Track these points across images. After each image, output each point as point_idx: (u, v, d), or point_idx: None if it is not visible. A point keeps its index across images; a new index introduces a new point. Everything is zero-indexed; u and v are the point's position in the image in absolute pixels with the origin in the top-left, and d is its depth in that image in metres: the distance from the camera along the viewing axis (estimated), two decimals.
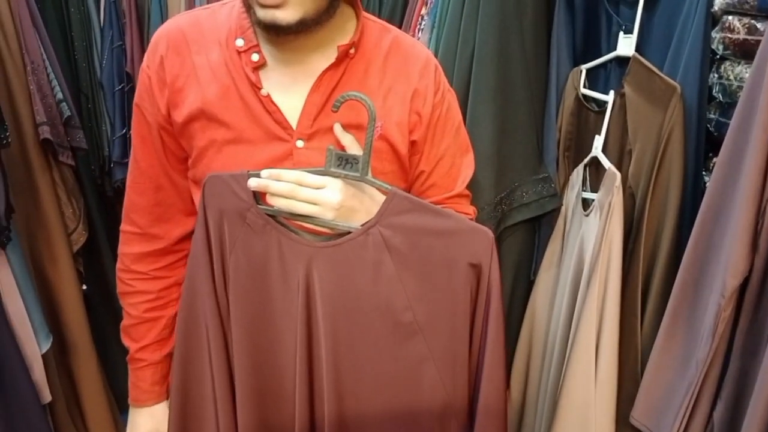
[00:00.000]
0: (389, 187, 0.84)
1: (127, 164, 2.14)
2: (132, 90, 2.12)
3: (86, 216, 1.85)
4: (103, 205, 2.15)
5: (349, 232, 0.85)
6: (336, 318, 0.87)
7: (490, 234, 0.84)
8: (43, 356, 1.48)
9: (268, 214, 0.86)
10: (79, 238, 1.81)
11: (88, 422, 1.78)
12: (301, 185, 0.83)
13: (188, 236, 1.08)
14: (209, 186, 0.87)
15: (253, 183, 0.83)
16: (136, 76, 2.10)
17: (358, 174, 0.83)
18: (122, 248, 1.08)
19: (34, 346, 1.44)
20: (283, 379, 0.91)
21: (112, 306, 2.13)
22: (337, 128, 0.89)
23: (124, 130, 2.13)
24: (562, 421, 1.10)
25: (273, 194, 0.84)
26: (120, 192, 2.23)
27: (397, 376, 0.89)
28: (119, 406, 1.90)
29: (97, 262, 2.04)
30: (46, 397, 1.47)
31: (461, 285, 0.85)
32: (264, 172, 0.83)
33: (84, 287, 1.91)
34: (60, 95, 1.69)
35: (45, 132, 1.59)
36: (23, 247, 1.53)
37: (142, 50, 2.12)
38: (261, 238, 0.87)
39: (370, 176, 0.84)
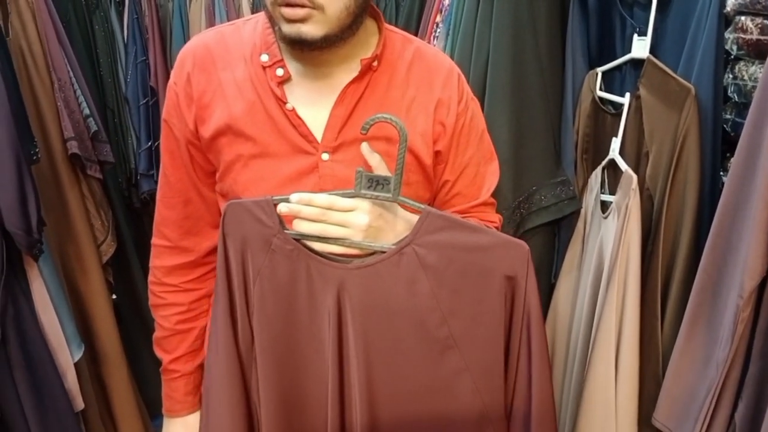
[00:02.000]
0: (423, 207, 0.83)
1: (152, 176, 2.22)
2: (156, 104, 2.17)
3: (114, 227, 1.90)
4: (130, 216, 2.20)
5: (381, 252, 0.85)
6: (369, 338, 0.86)
7: (525, 246, 0.83)
8: (76, 365, 1.53)
9: (295, 239, 0.85)
10: (108, 249, 1.86)
11: (119, 428, 1.82)
12: (331, 209, 0.83)
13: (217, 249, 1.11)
14: (230, 214, 0.87)
15: (284, 209, 0.83)
16: (159, 90, 2.16)
17: (389, 195, 0.82)
18: (154, 261, 1.10)
19: (66, 355, 1.48)
20: (312, 404, 0.91)
21: (141, 315, 2.18)
22: (365, 148, 0.89)
23: (150, 143, 2.18)
24: (585, 423, 1.10)
25: (303, 219, 0.83)
26: (146, 203, 2.28)
27: (432, 389, 0.89)
28: (150, 412, 1.95)
29: (126, 272, 2.09)
30: (79, 404, 1.51)
31: (497, 297, 0.84)
32: (294, 197, 0.82)
33: (114, 297, 1.96)
34: (87, 110, 1.74)
35: (73, 147, 1.64)
36: (55, 259, 1.58)
37: (165, 64, 2.17)
38: (288, 264, 0.86)
39: (402, 197, 0.83)
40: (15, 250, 1.32)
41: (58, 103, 1.62)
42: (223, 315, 0.90)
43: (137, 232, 2.16)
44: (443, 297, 0.85)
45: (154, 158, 2.18)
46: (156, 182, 2.22)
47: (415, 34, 1.79)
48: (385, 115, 0.80)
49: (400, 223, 0.88)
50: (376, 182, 0.83)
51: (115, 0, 2.16)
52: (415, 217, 0.85)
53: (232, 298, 0.90)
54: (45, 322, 1.43)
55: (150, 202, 2.29)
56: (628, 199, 1.06)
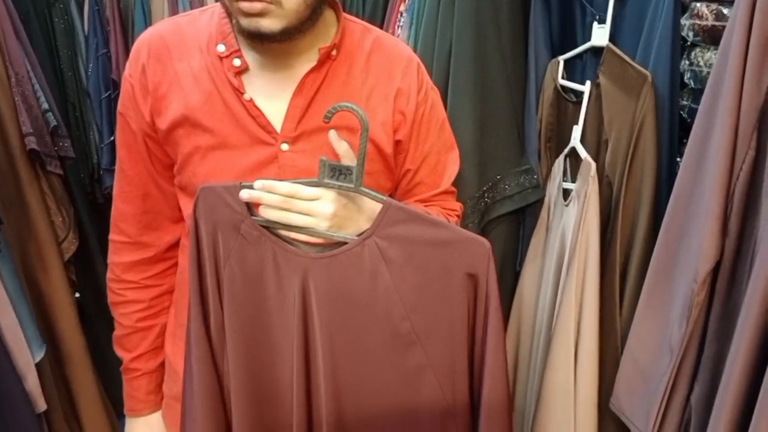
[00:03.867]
0: (384, 198, 0.83)
1: (114, 171, 2.17)
2: (118, 97, 2.12)
3: (77, 224, 1.86)
4: (93, 212, 2.16)
5: (345, 243, 0.85)
6: (333, 328, 0.87)
7: (487, 244, 0.83)
8: (39, 365, 1.49)
9: (263, 225, 0.86)
10: (70, 246, 1.82)
11: (85, 429, 1.79)
12: (294, 197, 0.83)
13: (177, 244, 1.09)
14: (202, 198, 0.87)
15: (245, 195, 0.83)
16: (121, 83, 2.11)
17: (352, 185, 0.82)
18: (112, 258, 1.09)
19: (27, 355, 1.44)
20: (280, 389, 0.91)
21: (106, 312, 2.11)
22: (333, 135, 0.88)
23: (112, 138, 2.13)
24: (546, 409, 1.11)
25: (266, 205, 0.83)
26: (110, 199, 2.22)
27: (395, 385, 0.89)
28: (116, 411, 1.91)
29: (89, 270, 2.05)
30: (41, 406, 1.47)
31: (459, 294, 0.85)
32: (257, 183, 0.82)
33: (77, 295, 1.92)
34: (45, 105, 1.69)
35: (31, 143, 1.59)
36: (14, 257, 1.54)
37: (127, 57, 2.12)
38: (256, 250, 0.86)
39: (363, 187, 0.83)
40: None
41: (16, 98, 1.57)
42: (195, 300, 0.90)
43: (101, 228, 2.11)
44: (405, 292, 0.85)
45: (116, 153, 2.13)
46: None
47: (381, 23, 1.79)
48: (347, 104, 0.80)
49: (364, 214, 0.88)
50: (338, 172, 0.83)
51: None
52: (377, 208, 0.85)
53: (203, 283, 0.90)
54: (3, 323, 1.39)
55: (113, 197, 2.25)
56: (587, 186, 1.07)
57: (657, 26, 1.00)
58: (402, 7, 1.55)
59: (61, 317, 1.72)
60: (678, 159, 1.03)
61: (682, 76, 1.00)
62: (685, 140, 1.04)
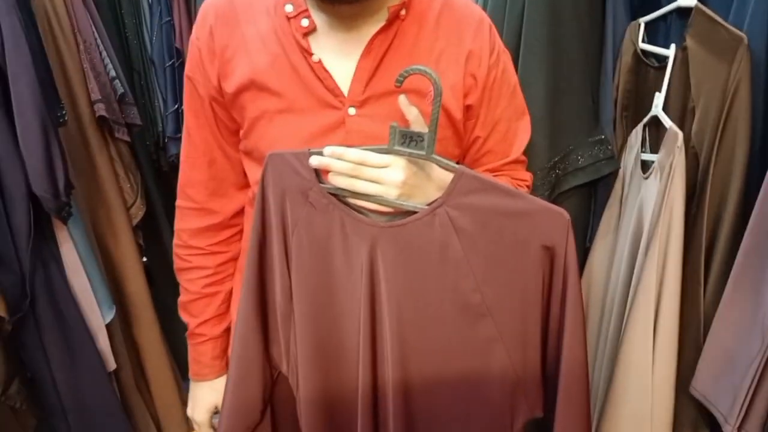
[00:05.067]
0: (456, 166, 0.80)
1: (180, 139, 2.19)
2: (182, 65, 2.14)
3: (144, 190, 1.91)
4: (159, 179, 2.20)
5: (414, 212, 0.83)
6: (401, 298, 0.85)
7: (566, 215, 0.80)
8: (108, 326, 1.55)
9: (331, 193, 0.84)
10: (138, 211, 1.87)
11: (152, 388, 1.86)
12: (363, 164, 0.81)
13: (242, 211, 1.09)
14: (271, 164, 0.86)
15: (314, 161, 0.82)
16: (185, 51, 2.12)
17: (423, 152, 0.80)
18: (179, 224, 1.09)
19: (98, 316, 1.50)
20: (346, 356, 0.91)
21: (172, 277, 2.19)
22: (403, 101, 0.85)
23: (177, 105, 2.16)
24: (620, 390, 1.06)
25: (335, 173, 0.82)
26: (175, 166, 2.28)
27: (463, 356, 0.87)
28: (182, 373, 1.98)
29: (155, 235, 2.10)
30: (111, 365, 1.54)
31: (533, 267, 0.81)
32: (326, 150, 0.81)
33: (144, 259, 1.97)
34: (113, 73, 1.72)
35: (101, 109, 1.63)
36: (85, 222, 1.59)
37: (190, 25, 2.13)
38: (324, 217, 0.85)
39: (435, 155, 0.80)
40: (44, 214, 1.33)
41: (84, 66, 1.61)
42: (253, 266, 0.90)
43: (166, 194, 2.16)
44: (476, 263, 0.82)
45: (181, 121, 2.16)
46: None
47: None
48: (419, 67, 0.77)
49: (434, 183, 0.85)
50: (410, 138, 0.80)
51: None
52: (449, 177, 0.82)
53: (263, 251, 0.90)
54: (75, 284, 1.45)
55: (178, 165, 2.28)
56: (672, 158, 1.00)
57: None
58: None
59: (130, 280, 1.78)
60: None
61: None
62: None
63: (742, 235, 0.90)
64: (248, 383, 0.95)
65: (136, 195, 1.86)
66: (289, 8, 0.90)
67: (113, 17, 2.05)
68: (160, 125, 2.20)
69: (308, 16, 0.89)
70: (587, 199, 1.36)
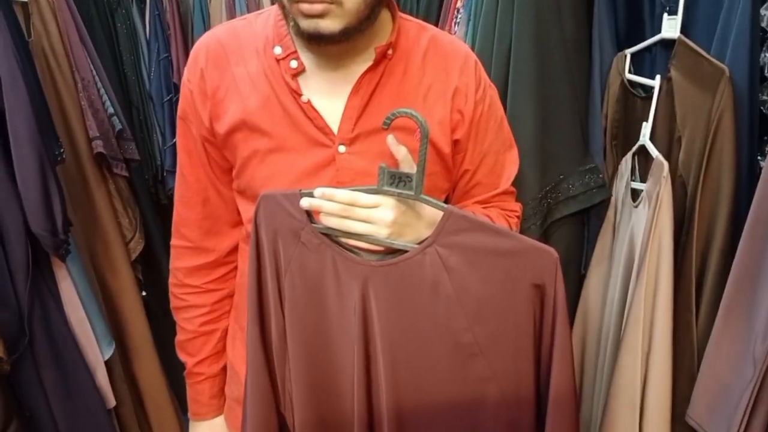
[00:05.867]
0: (445, 206, 0.82)
1: None
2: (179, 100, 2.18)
3: (142, 224, 1.92)
4: (158, 213, 2.21)
5: (405, 251, 0.84)
6: (393, 336, 0.86)
7: (555, 254, 0.80)
8: (108, 362, 1.55)
9: (323, 233, 0.85)
10: (137, 246, 1.88)
11: (152, 424, 1.85)
12: (354, 205, 0.82)
13: (237, 248, 1.10)
14: (263, 205, 0.87)
15: (305, 203, 0.83)
16: None
17: (411, 193, 0.81)
18: (174, 263, 1.11)
19: (96, 353, 1.50)
20: (341, 396, 0.91)
21: (171, 311, 2.19)
22: (391, 140, 0.87)
23: (175, 140, 2.17)
24: (611, 421, 1.06)
25: (326, 213, 0.83)
26: (173, 199, 2.29)
27: (458, 396, 0.87)
28: (182, 407, 1.97)
29: (154, 269, 2.10)
30: (111, 401, 1.53)
31: (524, 306, 0.82)
32: (317, 191, 0.82)
33: (143, 293, 1.98)
34: (111, 109, 1.74)
35: (98, 146, 1.65)
36: (84, 258, 1.60)
37: (187, 61, 2.17)
38: (316, 257, 0.86)
39: (423, 195, 0.82)
40: (42, 251, 1.34)
41: (82, 103, 1.63)
42: (254, 308, 0.91)
43: (165, 228, 2.17)
44: (467, 302, 0.83)
45: (177, 158, 2.18)
46: None
47: (437, 21, 1.76)
48: (407, 110, 0.78)
49: (424, 221, 0.86)
50: (398, 179, 0.82)
51: None
52: (437, 215, 0.83)
53: (262, 289, 0.91)
54: (74, 321, 1.45)
55: None
56: (659, 188, 1.02)
57: (733, 17, 0.94)
58: (459, 4, 1.52)
59: (129, 315, 1.78)
60: (759, 157, 0.97)
61: (761, 69, 0.93)
62: (765, 137, 0.98)
63: (731, 263, 0.91)
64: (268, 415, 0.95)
65: (135, 229, 1.87)
66: (278, 50, 0.92)
67: (111, 54, 2.08)
68: (159, 159, 2.22)
69: (297, 58, 0.91)
70: (580, 227, 1.37)
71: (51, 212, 1.30)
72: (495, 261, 0.81)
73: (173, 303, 1.13)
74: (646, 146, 1.14)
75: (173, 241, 1.10)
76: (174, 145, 2.18)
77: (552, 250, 0.81)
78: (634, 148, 1.21)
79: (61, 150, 1.45)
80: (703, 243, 1.00)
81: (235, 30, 0.97)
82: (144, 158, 2.13)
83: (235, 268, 1.12)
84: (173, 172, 2.20)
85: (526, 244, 0.81)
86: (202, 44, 0.98)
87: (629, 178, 1.22)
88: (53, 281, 1.42)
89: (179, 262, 1.10)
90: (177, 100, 2.15)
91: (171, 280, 1.12)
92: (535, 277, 0.81)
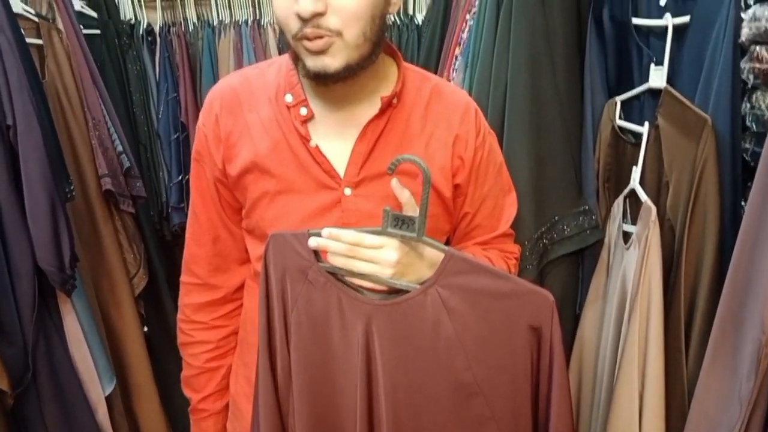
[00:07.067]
0: (446, 248, 0.85)
1: (183, 209, 2.28)
2: (187, 138, 2.24)
3: (146, 260, 1.95)
4: (162, 248, 2.25)
5: (407, 291, 0.87)
6: (395, 374, 0.88)
7: (551, 297, 0.83)
8: (109, 398, 1.56)
9: (329, 272, 0.89)
10: (140, 282, 1.91)
11: None
12: (359, 245, 0.86)
13: (243, 285, 1.13)
14: (272, 244, 0.91)
15: (312, 243, 0.87)
16: (190, 125, 2.22)
17: (414, 234, 0.84)
18: (183, 299, 1.14)
19: (98, 389, 1.51)
20: None
21: (173, 346, 2.19)
22: (395, 184, 0.90)
23: (180, 177, 2.24)
24: None
25: (333, 253, 0.87)
26: (177, 235, 2.34)
27: None
28: None
29: (157, 304, 2.13)
30: None
31: (522, 347, 0.85)
32: (324, 232, 0.86)
33: (145, 329, 2.00)
34: (120, 147, 1.80)
35: (107, 183, 1.69)
36: (88, 293, 1.62)
37: (195, 101, 2.24)
38: (322, 295, 0.89)
39: (425, 237, 0.85)
40: (48, 286, 1.37)
41: (93, 142, 1.68)
42: (264, 347, 0.94)
43: (168, 264, 2.21)
44: (467, 341, 0.86)
45: (184, 191, 2.24)
46: (186, 215, 2.29)
47: (436, 67, 1.82)
48: (410, 157, 0.83)
49: (426, 261, 0.89)
50: (401, 221, 0.85)
51: (147, 39, 2.24)
52: (439, 257, 0.87)
53: (271, 325, 0.94)
54: (77, 357, 1.47)
55: (180, 234, 2.34)
56: (648, 231, 1.05)
57: (716, 69, 0.99)
58: (457, 51, 1.58)
59: (131, 351, 1.80)
60: (743, 203, 1.00)
61: (743, 119, 0.98)
62: (749, 183, 1.01)
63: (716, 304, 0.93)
64: None
65: (139, 265, 1.90)
66: (289, 98, 0.97)
67: (122, 93, 2.15)
68: (164, 196, 2.27)
69: (306, 105, 0.96)
70: (575, 267, 1.40)
71: (59, 249, 1.33)
72: (493, 303, 0.84)
73: (180, 339, 1.15)
74: (636, 190, 1.18)
75: (183, 278, 1.14)
76: (179, 182, 2.24)
77: (548, 293, 0.84)
78: (625, 192, 1.24)
79: (72, 188, 1.49)
80: (691, 284, 1.03)
81: (248, 79, 1.03)
82: (150, 195, 2.18)
83: (241, 305, 1.15)
84: (178, 209, 2.25)
85: (523, 287, 0.84)
86: (217, 91, 1.03)
87: (621, 221, 1.25)
88: (58, 316, 1.45)
89: (188, 299, 1.13)
90: (184, 138, 2.25)
91: (179, 316, 1.15)
92: (532, 319, 0.84)
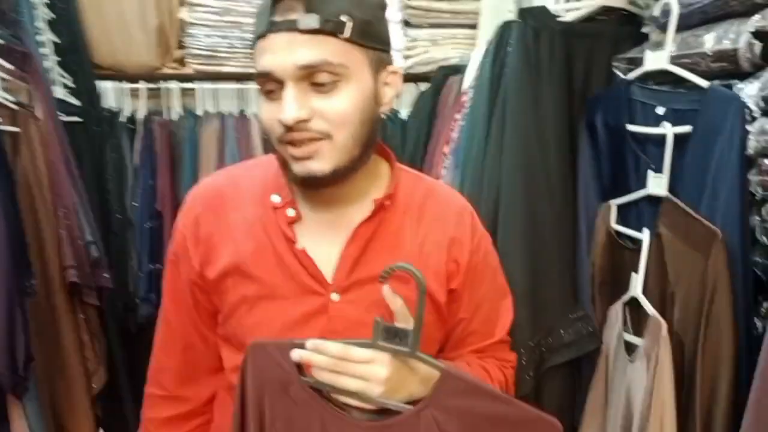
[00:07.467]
0: (442, 365, 0.79)
1: (150, 300, 2.18)
2: (161, 227, 2.17)
3: (107, 356, 1.82)
4: (125, 343, 2.12)
5: (399, 412, 0.80)
6: None
7: (558, 425, 0.77)
8: None
9: (313, 388, 0.82)
10: (99, 380, 1.79)
11: None
12: (346, 359, 0.79)
13: (213, 397, 1.04)
14: (252, 356, 0.84)
15: (296, 356, 0.80)
16: (165, 214, 2.17)
17: (407, 349, 0.78)
18: (147, 412, 1.04)
19: None
20: None
21: None
22: (387, 291, 0.85)
23: (151, 266, 2.16)
24: None
25: (317, 367, 0.80)
26: (143, 328, 2.22)
27: None
28: None
29: (117, 402, 1.99)
30: None
31: None
32: (308, 344, 0.80)
33: (101, 431, 1.84)
34: (89, 237, 1.72)
35: (72, 275, 1.60)
36: (42, 393, 1.49)
37: (172, 189, 2.19)
38: (304, 413, 0.82)
39: (420, 352, 0.79)
40: None
41: (61, 231, 1.60)
42: None
43: (131, 359, 2.08)
44: None
45: (153, 282, 2.16)
46: (155, 306, 2.19)
47: (421, 164, 1.81)
48: (405, 265, 0.78)
49: (417, 376, 0.83)
50: (393, 334, 0.79)
51: (128, 127, 2.22)
52: (432, 373, 0.80)
53: None
54: None
55: (146, 327, 2.23)
56: (658, 348, 0.99)
57: (722, 181, 0.97)
58: (446, 149, 1.57)
59: None
60: (755, 319, 0.96)
61: (752, 231, 0.95)
62: (759, 298, 0.98)
63: (735, 427, 0.87)
64: None
65: (99, 363, 1.78)
66: (276, 199, 0.92)
67: (97, 182, 2.10)
68: (131, 286, 2.18)
69: (294, 207, 0.91)
70: (572, 376, 1.33)
71: (13, 350, 1.23)
72: (494, 429, 0.77)
73: None
74: (639, 300, 1.13)
75: (147, 389, 1.04)
76: (149, 272, 2.16)
77: (555, 421, 0.78)
78: (625, 298, 1.20)
79: (33, 282, 1.40)
80: (707, 407, 0.96)
81: (233, 177, 0.99)
82: (117, 286, 2.08)
83: (210, 420, 1.05)
84: (146, 300, 2.15)
85: (527, 413, 0.78)
86: (199, 191, 0.98)
87: (621, 329, 1.20)
88: (6, 423, 1.32)
89: (152, 412, 1.03)
90: (158, 227, 2.17)
91: (141, 431, 1.04)
92: None
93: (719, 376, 0.94)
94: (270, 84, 0.81)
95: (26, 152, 1.53)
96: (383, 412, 0.81)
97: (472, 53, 1.76)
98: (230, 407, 0.87)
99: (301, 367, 0.82)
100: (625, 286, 1.21)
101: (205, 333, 1.00)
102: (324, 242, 0.91)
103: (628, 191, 1.23)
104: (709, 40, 1.06)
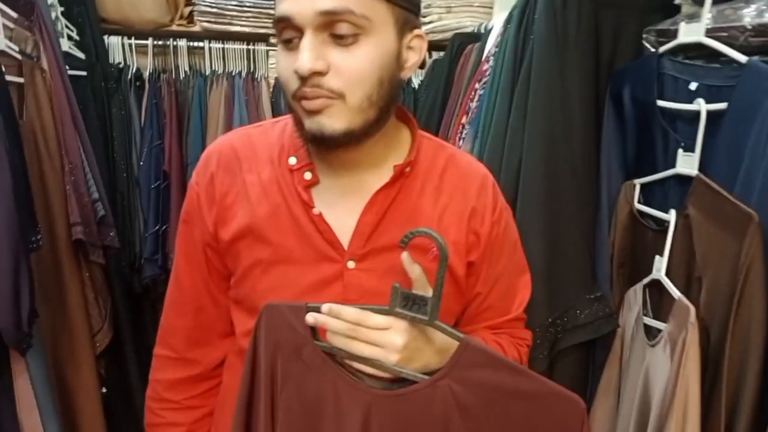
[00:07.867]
0: (461, 335, 0.76)
1: (156, 261, 2.16)
2: (167, 188, 2.14)
3: (112, 316, 1.81)
4: (129, 302, 2.11)
5: (415, 381, 0.77)
6: None
7: (582, 404, 0.74)
8: None
9: (326, 352, 0.79)
10: (104, 339, 1.77)
11: None
12: (362, 326, 0.77)
13: (223, 362, 1.02)
14: (266, 316, 0.82)
15: (310, 319, 0.78)
16: (172, 174, 2.13)
17: (426, 317, 0.75)
18: (155, 374, 1.02)
19: None
20: None
21: (132, 408, 2.05)
22: (406, 258, 0.82)
23: (157, 227, 2.13)
24: None
25: (332, 332, 0.77)
26: (147, 289, 2.21)
27: None
28: None
29: (119, 363, 1.99)
30: None
31: None
32: (324, 307, 0.77)
33: (104, 390, 1.84)
34: (96, 195, 1.69)
35: (78, 232, 1.57)
36: (45, 351, 1.47)
37: (180, 150, 2.15)
38: (316, 377, 0.80)
39: (439, 321, 0.76)
40: (1, 343, 1.22)
41: (67, 187, 1.57)
42: (239, 421, 0.84)
43: (135, 320, 2.07)
44: None
45: (160, 242, 2.14)
46: (160, 267, 2.17)
47: (436, 132, 1.76)
48: (427, 230, 0.74)
49: (434, 346, 0.80)
50: (412, 301, 0.76)
51: (135, 84, 2.17)
52: (450, 343, 0.77)
53: (253, 406, 0.84)
54: (27, 425, 1.32)
55: (151, 288, 2.22)
56: (685, 333, 0.96)
57: (758, 162, 0.92)
58: (464, 120, 1.52)
59: (86, 415, 1.65)
60: None
61: None
62: None
63: (760, 418, 0.84)
64: None
65: (104, 321, 1.76)
66: (293, 161, 0.89)
67: (103, 138, 2.06)
68: (138, 247, 2.16)
69: (312, 169, 0.88)
70: (586, 355, 1.31)
71: (18, 305, 1.20)
72: (513, 403, 0.74)
73: (148, 419, 1.03)
74: (663, 283, 1.09)
75: (157, 350, 1.02)
76: (155, 232, 2.13)
77: (578, 399, 0.74)
78: (646, 281, 1.16)
79: (39, 237, 1.36)
80: (732, 394, 0.93)
81: (250, 137, 0.95)
82: (123, 245, 2.06)
83: (220, 383, 1.03)
84: (151, 261, 2.13)
85: (549, 388, 0.75)
86: (215, 148, 0.95)
87: (641, 312, 1.16)
88: (9, 378, 1.30)
89: (160, 374, 1.01)
90: (165, 187, 2.14)
91: (148, 392, 1.03)
92: (557, 427, 0.73)
93: (747, 364, 0.91)
94: (288, 31, 0.77)
95: (32, 104, 1.49)
96: (398, 380, 0.79)
97: (494, 20, 1.70)
98: (240, 371, 0.85)
99: (315, 331, 0.80)
100: (645, 268, 1.17)
101: (217, 295, 0.98)
102: (341, 208, 0.88)
103: (654, 169, 1.18)
104: (750, 13, 1.00)
